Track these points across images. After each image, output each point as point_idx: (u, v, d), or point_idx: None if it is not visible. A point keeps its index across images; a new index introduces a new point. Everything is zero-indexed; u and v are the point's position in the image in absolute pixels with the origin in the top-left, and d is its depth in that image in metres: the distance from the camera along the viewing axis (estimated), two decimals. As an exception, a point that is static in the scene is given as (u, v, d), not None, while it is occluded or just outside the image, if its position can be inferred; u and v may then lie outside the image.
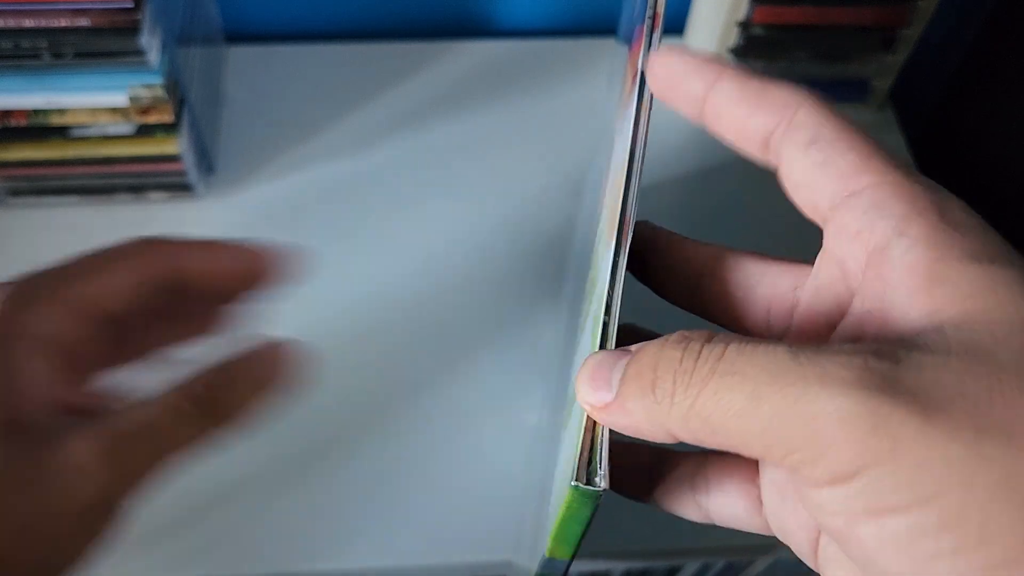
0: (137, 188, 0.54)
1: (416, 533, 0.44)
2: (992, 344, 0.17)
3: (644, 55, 0.25)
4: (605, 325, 0.22)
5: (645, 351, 0.20)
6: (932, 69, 0.68)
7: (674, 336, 0.20)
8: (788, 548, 0.23)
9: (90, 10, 0.44)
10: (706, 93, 0.24)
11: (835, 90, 0.61)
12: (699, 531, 0.48)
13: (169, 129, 0.50)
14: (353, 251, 0.54)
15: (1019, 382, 0.16)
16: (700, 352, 0.19)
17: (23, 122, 0.49)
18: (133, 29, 0.45)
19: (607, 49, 0.64)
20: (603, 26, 0.66)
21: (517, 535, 0.43)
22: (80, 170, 0.52)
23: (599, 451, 0.20)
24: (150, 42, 0.46)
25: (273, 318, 0.52)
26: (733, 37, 0.56)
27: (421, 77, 0.62)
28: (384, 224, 0.55)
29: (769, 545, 0.45)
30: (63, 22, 0.44)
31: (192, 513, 0.45)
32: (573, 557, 0.24)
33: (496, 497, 0.45)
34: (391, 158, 0.58)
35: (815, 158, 0.22)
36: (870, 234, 0.20)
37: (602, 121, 0.57)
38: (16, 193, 0.54)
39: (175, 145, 0.51)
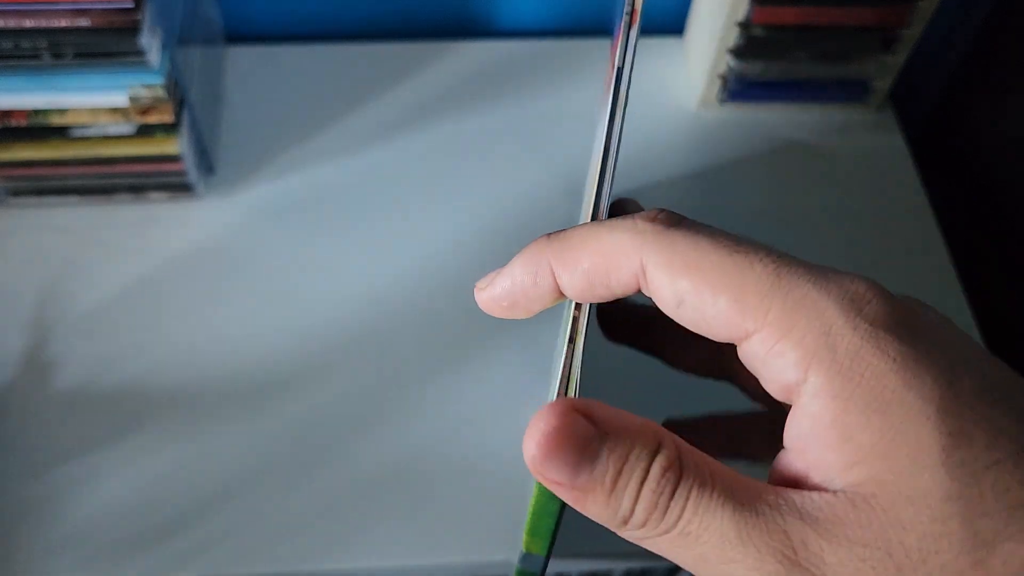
0: (137, 188, 0.54)
1: (416, 533, 0.44)
2: (897, 528, 0.17)
3: (621, 52, 0.25)
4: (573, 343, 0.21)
5: (614, 462, 0.18)
6: (932, 69, 0.68)
7: (643, 457, 0.18)
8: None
9: (90, 10, 0.44)
10: None
11: (835, 90, 0.61)
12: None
13: (169, 129, 0.50)
14: (353, 251, 0.54)
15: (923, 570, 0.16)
16: (670, 500, 0.18)
17: (23, 122, 0.49)
18: (133, 29, 0.45)
19: (606, 50, 0.64)
20: (602, 27, 0.66)
21: (517, 535, 0.43)
22: (80, 170, 0.52)
23: None
24: (150, 42, 0.46)
25: (274, 318, 0.52)
26: (733, 37, 0.56)
27: (421, 77, 0.62)
28: (384, 224, 0.55)
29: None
30: (63, 22, 0.44)
31: (192, 513, 0.45)
32: (549, 551, 0.24)
33: (496, 497, 0.45)
34: (391, 158, 0.58)
35: (689, 317, 0.20)
36: (778, 374, 0.19)
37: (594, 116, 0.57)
38: (16, 193, 0.54)
39: (175, 145, 0.51)
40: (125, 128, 0.50)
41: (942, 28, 0.63)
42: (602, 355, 0.32)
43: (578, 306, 0.22)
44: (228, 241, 0.54)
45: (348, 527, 0.44)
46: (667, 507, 0.18)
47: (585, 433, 0.18)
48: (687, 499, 0.18)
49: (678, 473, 0.18)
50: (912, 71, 0.61)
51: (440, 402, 0.48)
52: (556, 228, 0.23)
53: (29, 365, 0.49)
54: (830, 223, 0.56)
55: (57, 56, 0.46)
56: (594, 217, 0.23)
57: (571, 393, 0.20)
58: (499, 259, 0.24)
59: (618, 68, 0.25)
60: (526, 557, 0.25)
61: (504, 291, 0.22)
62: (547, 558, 0.24)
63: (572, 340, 0.21)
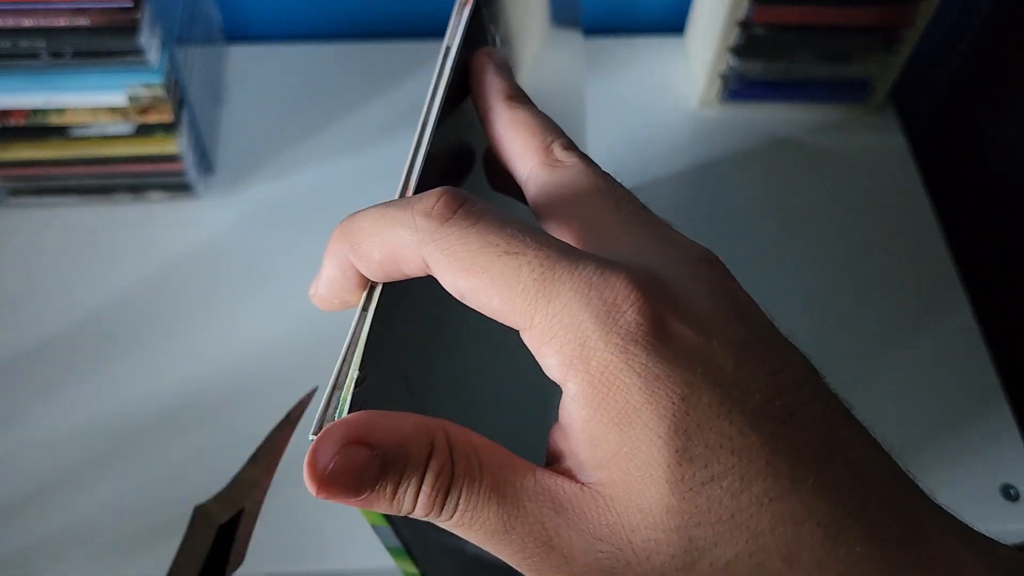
0: (137, 188, 0.54)
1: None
2: (627, 530, 0.19)
3: (451, 30, 0.26)
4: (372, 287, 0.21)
5: (392, 477, 0.20)
6: (933, 69, 0.67)
7: (418, 466, 0.20)
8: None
9: (89, 9, 0.44)
10: None
11: (836, 90, 0.61)
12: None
13: (168, 129, 0.50)
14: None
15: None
16: (445, 498, 0.20)
17: (22, 122, 0.49)
18: (132, 28, 0.45)
19: (601, 49, 0.64)
20: (603, 26, 0.66)
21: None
22: (79, 170, 0.52)
23: (341, 407, 0.21)
24: (149, 41, 0.46)
25: (273, 317, 0.52)
26: (734, 37, 0.56)
27: (421, 77, 0.62)
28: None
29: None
30: (62, 21, 0.44)
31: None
32: (389, 520, 0.24)
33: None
34: (391, 157, 0.58)
35: (474, 307, 0.21)
36: (546, 370, 0.20)
37: (595, 116, 0.57)
38: (16, 193, 0.54)
39: (174, 145, 0.51)
40: (124, 128, 0.50)
41: (943, 28, 0.63)
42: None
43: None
44: (227, 240, 0.54)
45: (348, 527, 0.44)
46: (443, 505, 0.20)
47: (361, 463, 0.19)
48: (459, 497, 0.20)
49: (449, 474, 0.20)
50: (913, 71, 0.61)
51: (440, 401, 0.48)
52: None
53: (28, 364, 0.49)
54: (830, 222, 0.56)
55: (56, 55, 0.46)
56: (403, 188, 0.24)
57: (352, 365, 0.21)
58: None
59: (446, 46, 0.25)
60: (377, 531, 0.25)
61: (327, 292, 0.24)
62: (395, 527, 0.24)
63: (364, 309, 0.22)
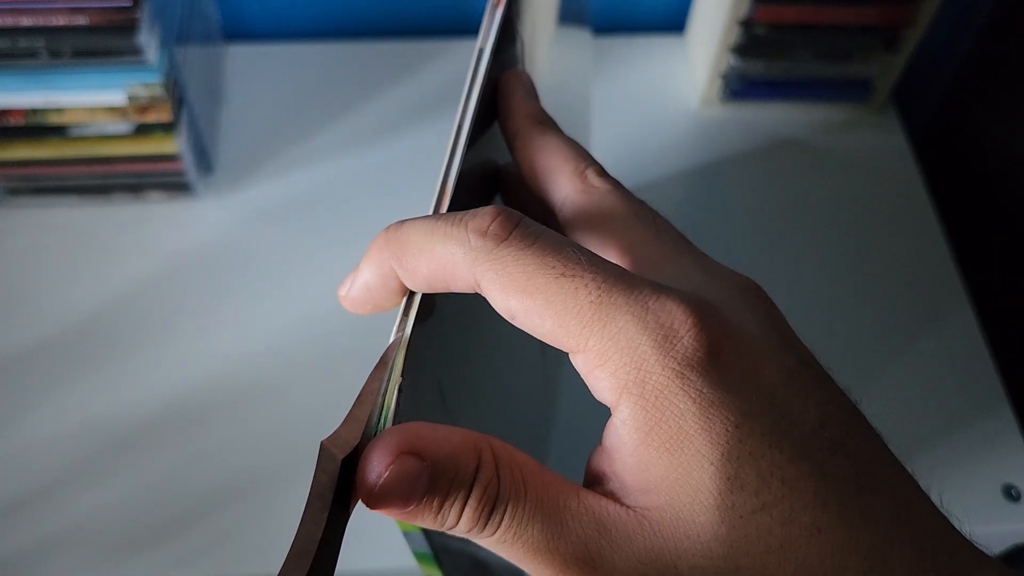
0: (135, 188, 0.54)
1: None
2: (673, 555, 0.19)
3: (484, 32, 0.26)
4: (411, 294, 0.22)
5: (440, 491, 0.20)
6: (935, 69, 0.67)
7: (465, 481, 0.20)
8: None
9: (88, 8, 0.44)
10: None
11: (837, 89, 0.60)
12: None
13: (167, 128, 0.50)
14: (352, 250, 0.53)
15: None
16: (489, 516, 0.20)
17: (21, 121, 0.49)
18: (131, 27, 0.45)
19: (601, 48, 0.64)
20: (605, 26, 0.65)
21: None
22: (78, 170, 0.52)
23: (385, 415, 0.21)
24: (148, 40, 0.46)
25: (273, 317, 0.52)
26: (735, 36, 0.56)
27: (420, 76, 0.62)
28: (384, 223, 0.54)
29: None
30: (61, 20, 0.44)
31: (192, 513, 0.45)
32: (423, 528, 0.24)
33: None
34: (391, 157, 0.58)
35: (523, 327, 0.21)
36: (597, 393, 0.20)
37: (596, 115, 0.57)
38: (14, 193, 0.53)
39: (173, 144, 0.51)
40: (123, 127, 0.50)
41: (945, 28, 0.63)
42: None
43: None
44: (227, 241, 0.54)
45: (359, 526, 0.44)
46: (487, 521, 0.20)
47: (413, 474, 0.19)
48: (503, 513, 0.20)
49: (495, 490, 0.20)
50: (915, 70, 0.61)
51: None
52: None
53: (26, 363, 0.49)
54: (831, 222, 0.56)
55: (55, 55, 0.46)
56: (439, 200, 0.24)
57: (395, 371, 0.21)
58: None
59: (480, 48, 0.25)
60: (408, 537, 0.25)
61: (360, 296, 0.23)
62: (427, 533, 0.24)
63: (406, 314, 0.22)
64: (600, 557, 0.19)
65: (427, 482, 0.19)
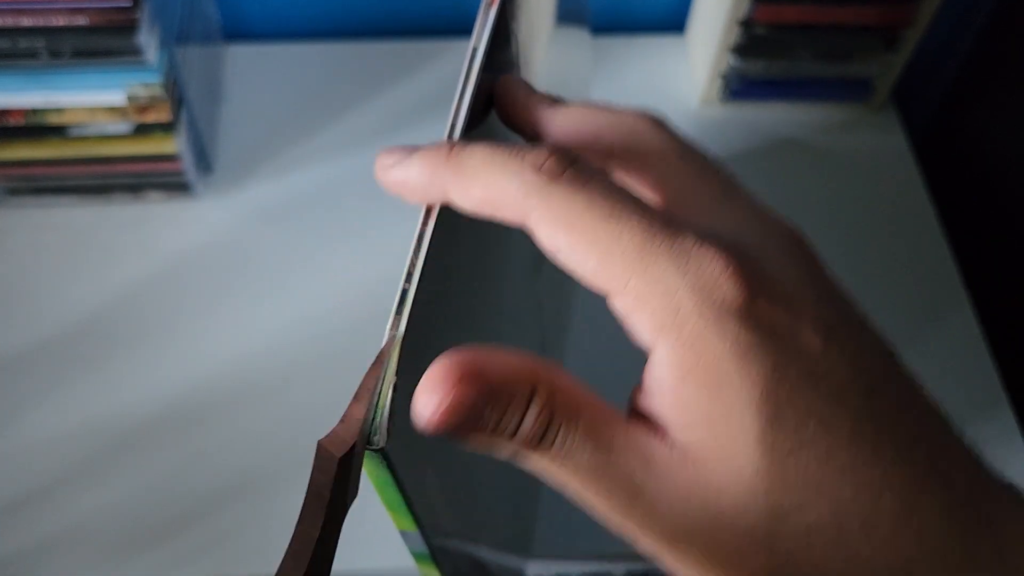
0: (135, 188, 0.54)
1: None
2: (714, 490, 0.20)
3: (478, 31, 0.26)
4: (404, 292, 0.22)
5: (495, 415, 0.20)
6: (935, 68, 0.67)
7: (521, 405, 0.20)
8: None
9: (88, 9, 0.44)
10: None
11: (837, 89, 0.60)
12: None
13: (167, 128, 0.50)
14: (352, 250, 0.53)
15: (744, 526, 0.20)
16: (541, 440, 0.20)
17: (21, 121, 0.49)
18: (131, 28, 0.45)
19: (601, 48, 0.64)
20: (606, 25, 0.65)
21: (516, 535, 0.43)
22: (78, 169, 0.52)
23: (380, 413, 0.21)
24: (148, 40, 0.46)
25: (273, 317, 0.52)
26: (735, 36, 0.56)
27: (420, 76, 0.62)
28: (383, 223, 0.55)
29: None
30: (61, 21, 0.44)
31: (192, 513, 0.45)
32: (420, 526, 0.24)
33: (496, 498, 0.45)
34: (391, 157, 0.57)
35: (564, 264, 0.21)
36: (635, 334, 0.21)
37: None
38: (14, 193, 0.53)
39: (173, 144, 0.51)
40: (123, 127, 0.50)
41: (944, 27, 0.63)
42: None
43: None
44: (226, 240, 0.54)
45: (348, 527, 0.44)
46: (540, 440, 0.20)
47: (473, 397, 0.20)
48: (556, 434, 0.20)
49: (549, 415, 0.20)
50: (915, 70, 0.61)
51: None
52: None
53: (26, 363, 0.49)
54: (831, 222, 0.56)
55: (55, 55, 0.46)
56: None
57: (389, 370, 0.21)
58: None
59: (473, 48, 0.25)
60: (405, 536, 0.25)
61: (399, 181, 0.24)
62: (424, 534, 0.24)
63: (399, 312, 0.22)
64: (644, 489, 0.20)
65: (485, 404, 0.20)
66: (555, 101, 0.26)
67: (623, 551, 0.45)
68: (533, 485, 0.45)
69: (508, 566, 0.42)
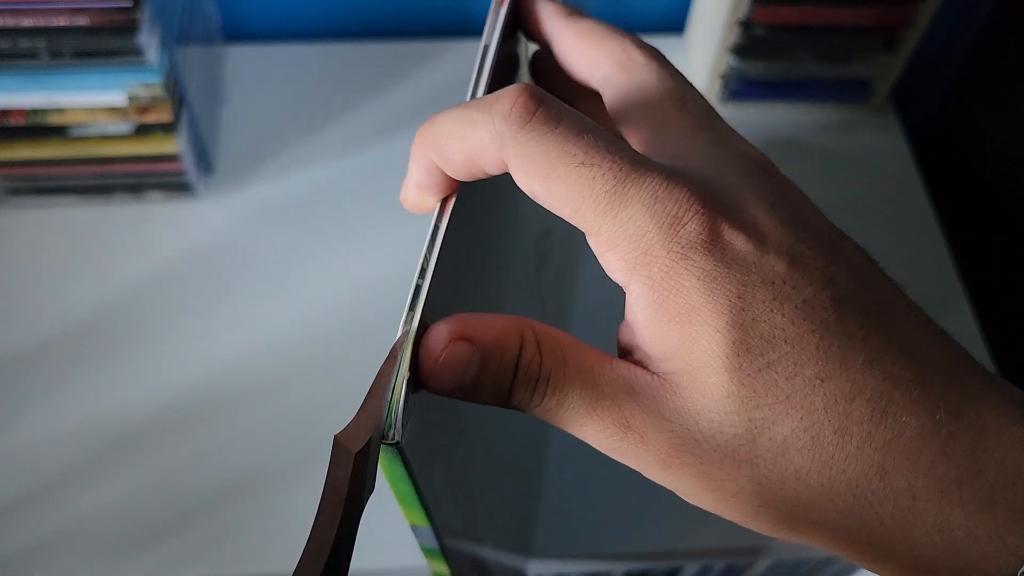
0: (136, 188, 0.54)
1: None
2: (693, 413, 0.21)
3: (489, 29, 0.26)
4: (418, 288, 0.22)
5: (488, 369, 0.22)
6: (934, 69, 0.67)
7: (511, 359, 0.22)
8: (788, 550, 0.23)
9: (89, 9, 0.44)
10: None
11: (836, 90, 0.60)
12: (699, 532, 0.48)
13: (168, 128, 0.50)
14: (352, 250, 0.53)
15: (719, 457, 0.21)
16: (533, 388, 0.22)
17: (21, 121, 0.49)
18: (131, 28, 0.45)
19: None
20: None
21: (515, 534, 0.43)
22: (78, 170, 0.52)
23: (394, 408, 0.21)
24: (148, 41, 0.46)
25: (273, 317, 0.52)
26: (734, 36, 0.56)
27: (420, 76, 0.62)
28: (383, 223, 0.55)
29: (769, 547, 0.44)
30: (61, 21, 0.44)
31: (192, 513, 0.45)
32: (432, 520, 0.25)
33: (496, 498, 0.45)
34: (390, 157, 0.58)
35: (544, 206, 0.22)
36: (610, 273, 0.22)
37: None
38: (15, 193, 0.54)
39: (174, 144, 0.51)
40: (123, 127, 0.50)
41: (944, 28, 0.63)
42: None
43: (444, 201, 0.24)
44: (227, 241, 0.54)
45: (368, 525, 0.44)
46: (533, 391, 0.22)
47: (466, 356, 0.21)
48: (547, 383, 0.22)
49: (539, 364, 0.22)
50: (914, 71, 0.61)
51: (440, 402, 0.48)
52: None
53: (26, 363, 0.49)
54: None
55: (55, 55, 0.46)
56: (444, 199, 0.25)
57: (402, 369, 0.22)
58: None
59: (484, 46, 0.26)
60: (416, 531, 0.26)
61: (415, 195, 0.25)
62: (435, 529, 0.25)
63: (412, 307, 0.23)
64: (632, 418, 0.22)
65: (478, 362, 0.21)
66: (572, 12, 0.27)
67: (623, 551, 0.45)
68: (534, 485, 0.46)
69: (509, 565, 0.42)
